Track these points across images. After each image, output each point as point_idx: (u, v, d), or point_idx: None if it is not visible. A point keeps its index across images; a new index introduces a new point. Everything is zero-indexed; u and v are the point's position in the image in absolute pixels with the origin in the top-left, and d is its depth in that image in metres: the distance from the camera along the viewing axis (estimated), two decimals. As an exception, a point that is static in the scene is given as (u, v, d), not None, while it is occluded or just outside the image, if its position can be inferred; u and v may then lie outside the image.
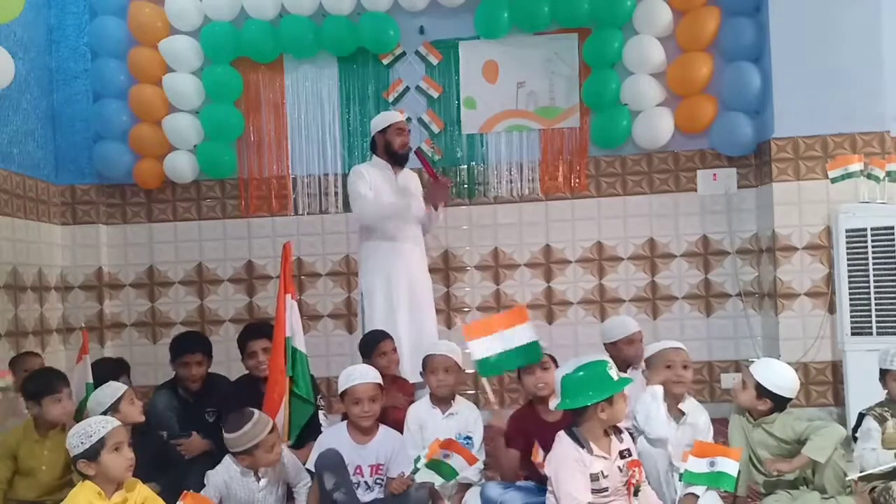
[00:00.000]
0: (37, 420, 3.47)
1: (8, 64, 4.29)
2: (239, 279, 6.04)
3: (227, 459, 3.34)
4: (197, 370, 4.26)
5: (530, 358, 3.43)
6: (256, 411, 3.34)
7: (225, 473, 3.31)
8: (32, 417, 3.49)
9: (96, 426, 2.84)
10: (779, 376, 3.30)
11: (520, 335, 3.41)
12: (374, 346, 4.30)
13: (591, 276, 5.87)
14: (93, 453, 2.78)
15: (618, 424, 3.04)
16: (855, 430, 3.64)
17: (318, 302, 5.99)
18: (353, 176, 4.80)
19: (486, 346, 3.40)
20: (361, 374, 3.51)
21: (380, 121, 4.90)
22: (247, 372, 4.28)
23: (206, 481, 3.32)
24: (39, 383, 3.50)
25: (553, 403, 3.09)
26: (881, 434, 3.45)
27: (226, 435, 3.27)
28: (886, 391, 3.57)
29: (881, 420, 3.47)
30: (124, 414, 3.37)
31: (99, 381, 3.77)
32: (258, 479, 3.30)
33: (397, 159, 4.83)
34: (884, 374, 3.57)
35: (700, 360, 5.65)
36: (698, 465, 2.96)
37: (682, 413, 3.37)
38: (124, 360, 4.78)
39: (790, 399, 3.31)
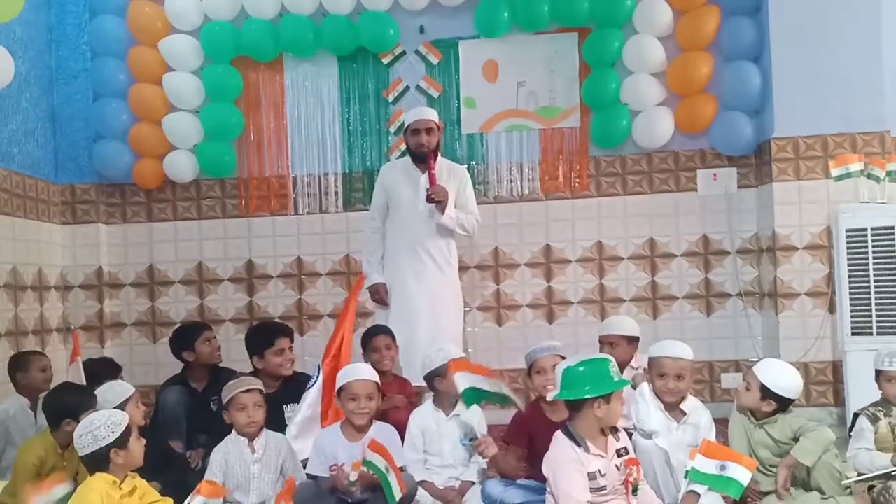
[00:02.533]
0: (62, 436, 3.38)
1: (8, 63, 4.28)
2: (239, 279, 6.04)
3: (230, 435, 3.41)
4: (216, 343, 4.45)
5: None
6: (250, 377, 3.54)
7: (224, 447, 3.38)
8: (55, 433, 3.39)
9: (118, 416, 2.93)
10: (783, 378, 3.30)
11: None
12: (367, 340, 4.33)
13: (592, 275, 5.87)
14: (122, 441, 2.87)
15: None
16: (850, 429, 3.65)
17: (318, 302, 5.99)
18: (377, 178, 5.09)
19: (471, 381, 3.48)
20: (358, 372, 3.53)
21: (405, 119, 4.96)
22: (254, 369, 4.27)
23: (210, 459, 3.38)
24: (77, 400, 3.39)
25: (551, 395, 3.11)
26: (874, 434, 3.46)
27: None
28: (881, 392, 3.57)
29: (874, 420, 3.48)
30: (128, 415, 3.36)
31: (88, 381, 3.77)
32: (252, 451, 3.36)
33: (418, 158, 4.83)
34: (878, 375, 3.57)
35: (700, 360, 5.62)
36: (706, 466, 2.95)
37: (683, 413, 3.38)
38: (115, 362, 4.66)
39: (794, 400, 3.31)
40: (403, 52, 5.94)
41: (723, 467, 2.91)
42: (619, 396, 2.96)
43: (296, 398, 4.06)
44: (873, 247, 4.86)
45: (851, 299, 4.91)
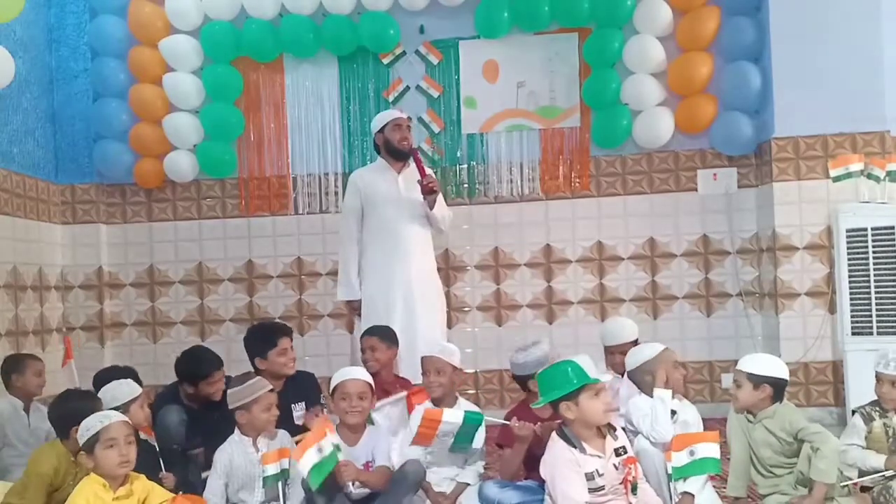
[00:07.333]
0: (72, 443, 3.26)
1: (8, 63, 4.29)
2: (239, 278, 6.04)
3: (233, 435, 3.41)
4: (221, 385, 4.21)
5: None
6: (260, 378, 3.51)
7: (228, 447, 3.38)
8: (65, 441, 3.32)
9: (94, 421, 2.89)
10: (765, 361, 3.32)
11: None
12: (361, 340, 4.30)
13: (592, 275, 5.87)
14: (89, 447, 2.85)
15: (612, 422, 3.03)
16: None
17: (318, 302, 5.99)
18: (349, 183, 4.99)
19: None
20: (350, 372, 3.55)
21: (378, 120, 4.92)
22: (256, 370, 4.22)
23: (213, 460, 3.38)
24: (82, 406, 3.27)
25: (534, 403, 3.15)
26: (867, 433, 3.46)
27: (229, 391, 3.41)
28: (876, 392, 3.57)
29: (868, 419, 3.48)
30: (132, 417, 3.34)
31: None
32: (257, 450, 3.36)
33: (399, 155, 4.82)
34: (877, 376, 3.57)
35: (700, 359, 5.64)
36: (681, 459, 2.97)
37: (674, 412, 3.38)
38: (133, 370, 4.37)
39: (786, 382, 3.31)
40: (403, 52, 5.94)
41: (692, 452, 2.95)
42: (593, 395, 2.92)
43: (299, 397, 4.07)
44: (873, 247, 4.86)
45: (851, 299, 4.91)
